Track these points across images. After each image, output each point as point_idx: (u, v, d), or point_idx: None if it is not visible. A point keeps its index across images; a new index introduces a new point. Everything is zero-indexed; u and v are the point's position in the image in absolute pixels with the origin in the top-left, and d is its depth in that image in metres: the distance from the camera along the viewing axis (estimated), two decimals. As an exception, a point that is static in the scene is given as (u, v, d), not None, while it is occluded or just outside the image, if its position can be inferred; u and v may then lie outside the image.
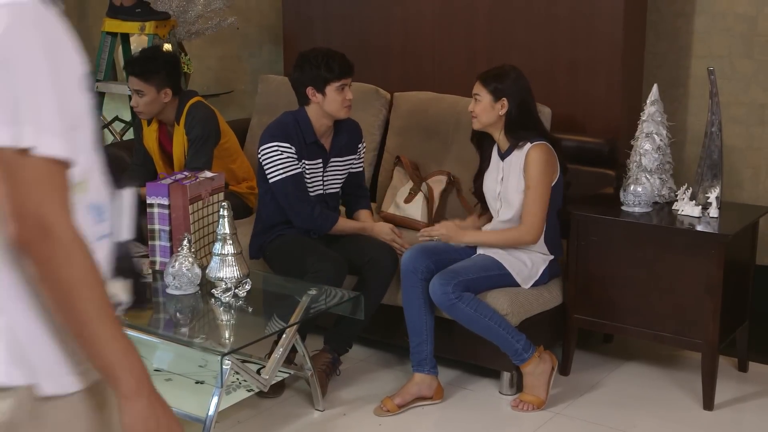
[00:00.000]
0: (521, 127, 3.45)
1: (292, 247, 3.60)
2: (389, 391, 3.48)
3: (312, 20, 4.90)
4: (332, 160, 3.70)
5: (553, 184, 3.44)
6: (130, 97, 5.02)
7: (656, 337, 3.51)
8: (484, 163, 3.62)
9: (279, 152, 3.55)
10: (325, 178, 3.70)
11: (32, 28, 1.32)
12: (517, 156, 3.45)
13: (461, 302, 3.30)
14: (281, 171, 3.56)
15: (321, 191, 3.70)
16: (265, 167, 3.59)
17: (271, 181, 3.58)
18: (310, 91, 3.57)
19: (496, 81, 3.45)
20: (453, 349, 3.61)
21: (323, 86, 3.55)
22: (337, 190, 3.78)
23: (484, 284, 3.39)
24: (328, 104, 3.57)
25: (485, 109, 3.45)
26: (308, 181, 3.64)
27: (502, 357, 3.46)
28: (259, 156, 3.60)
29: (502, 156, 3.52)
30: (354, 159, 3.79)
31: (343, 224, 3.68)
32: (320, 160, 3.66)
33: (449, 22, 4.45)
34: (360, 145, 3.81)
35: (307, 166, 3.62)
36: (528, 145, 3.43)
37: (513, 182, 3.46)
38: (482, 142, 3.60)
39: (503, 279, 3.43)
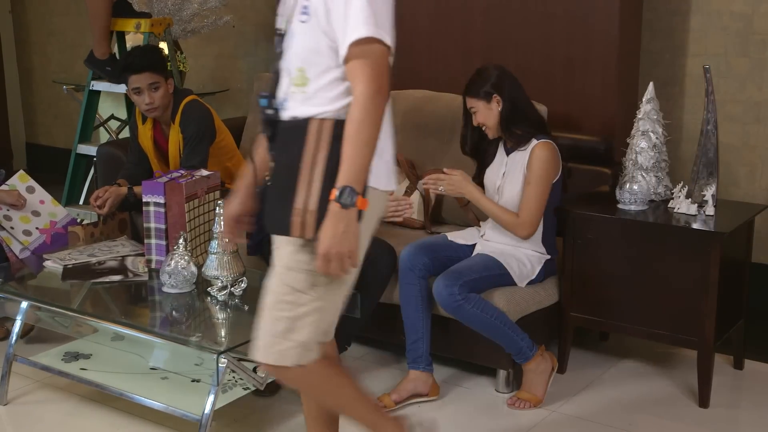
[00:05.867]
0: (521, 117, 3.43)
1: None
2: (385, 389, 3.48)
3: (308, 18, 4.88)
4: None
5: (553, 182, 3.44)
6: (126, 97, 5.04)
7: (652, 335, 3.51)
8: (487, 160, 3.59)
9: None
10: None
11: None
12: (522, 155, 3.44)
13: (468, 303, 3.29)
14: None
15: None
16: None
17: None
18: None
19: (480, 86, 3.43)
20: (449, 347, 3.61)
21: None
22: None
23: (487, 284, 3.39)
24: None
25: (486, 115, 3.44)
26: None
27: (498, 355, 3.46)
28: None
29: (508, 151, 3.51)
30: None
31: None
32: None
33: (445, 21, 4.45)
34: None
35: None
36: (534, 142, 3.43)
37: (513, 178, 3.45)
38: (478, 147, 3.59)
39: (502, 279, 3.42)
